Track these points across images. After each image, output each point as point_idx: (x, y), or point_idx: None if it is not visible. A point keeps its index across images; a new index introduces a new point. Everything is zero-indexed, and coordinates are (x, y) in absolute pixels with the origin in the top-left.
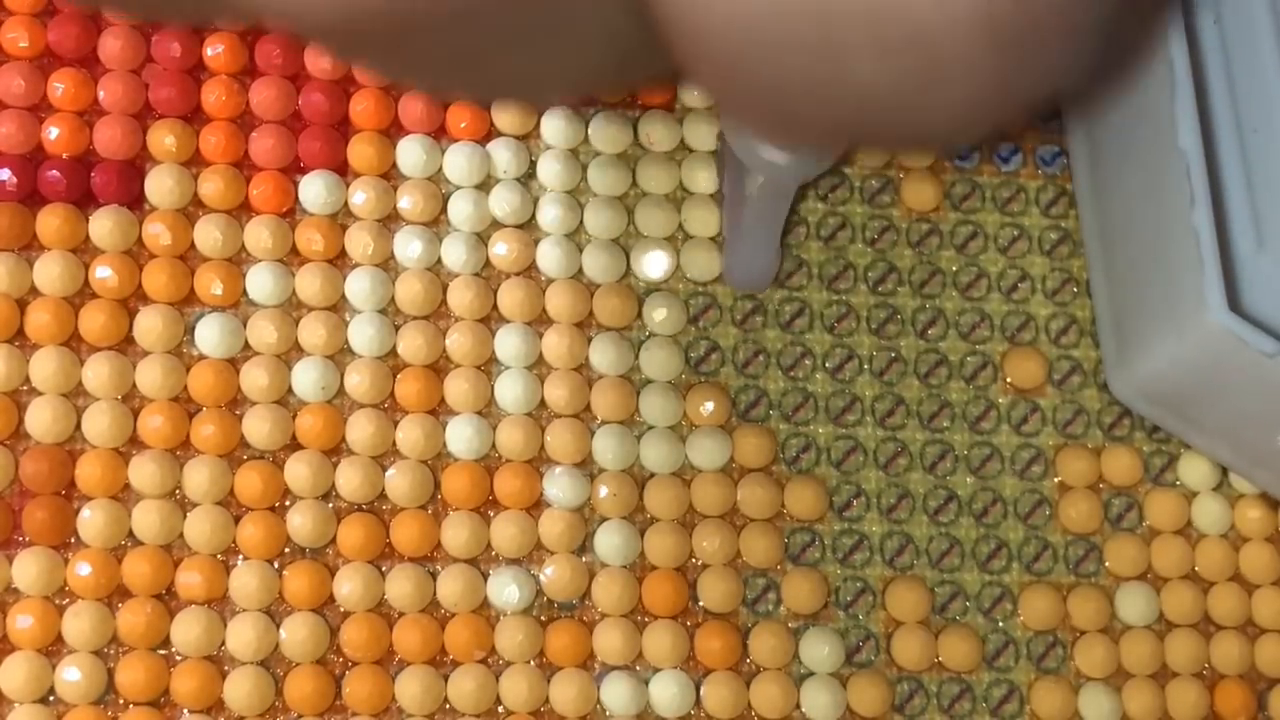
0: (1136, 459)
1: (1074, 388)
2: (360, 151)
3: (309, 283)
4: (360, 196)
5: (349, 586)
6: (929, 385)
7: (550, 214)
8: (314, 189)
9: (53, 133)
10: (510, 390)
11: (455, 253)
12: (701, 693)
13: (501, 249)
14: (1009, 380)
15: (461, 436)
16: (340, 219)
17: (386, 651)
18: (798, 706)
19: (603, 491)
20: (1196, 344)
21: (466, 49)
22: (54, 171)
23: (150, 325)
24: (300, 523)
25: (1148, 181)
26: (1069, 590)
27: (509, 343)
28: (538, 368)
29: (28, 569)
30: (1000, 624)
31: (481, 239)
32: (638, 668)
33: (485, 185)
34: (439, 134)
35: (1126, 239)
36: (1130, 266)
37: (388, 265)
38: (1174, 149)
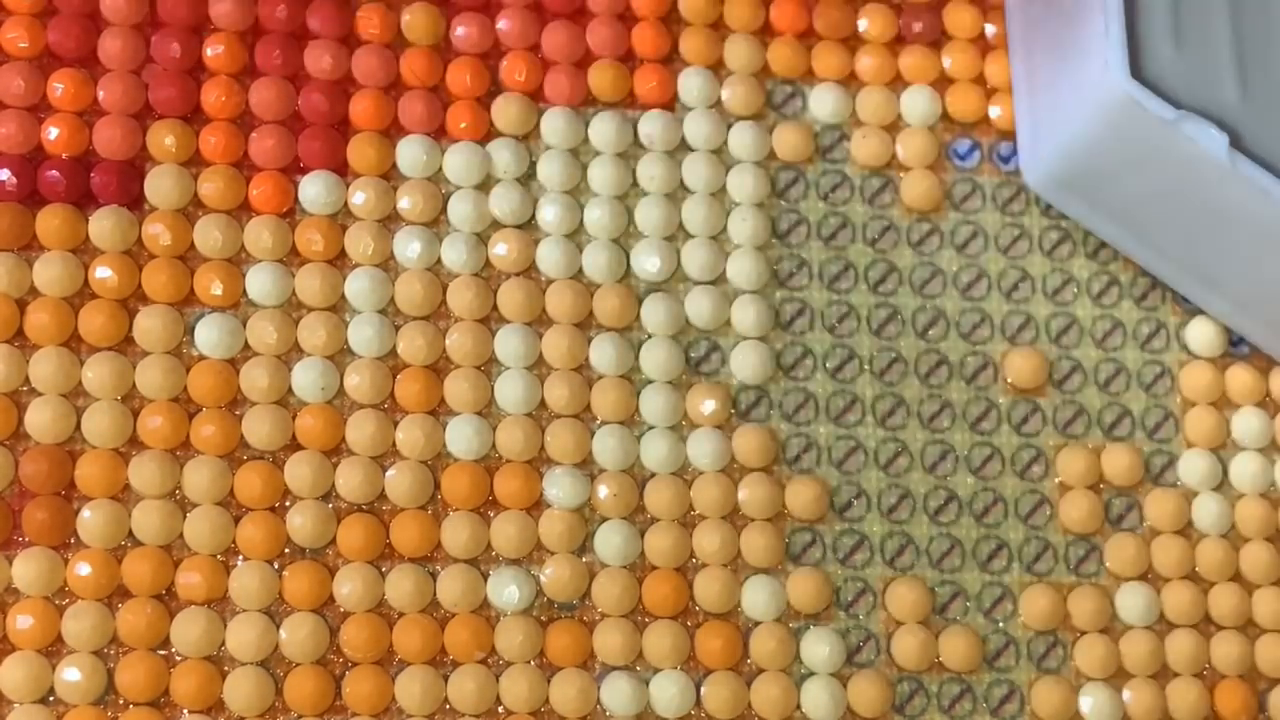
0: (1136, 459)
1: (1074, 388)
2: (360, 151)
3: (309, 283)
4: (360, 196)
5: (349, 587)
6: (929, 385)
7: (550, 214)
8: (314, 189)
9: (53, 133)
10: (510, 390)
11: (455, 253)
12: (701, 693)
13: (501, 249)
14: (1009, 380)
15: (461, 436)
16: (340, 219)
17: (386, 651)
18: (798, 706)
19: (603, 491)
20: (1100, 113)
21: None
22: (54, 171)
23: (150, 325)
24: (300, 523)
25: None
26: (1069, 590)
27: (509, 343)
28: (538, 368)
29: (28, 569)
30: (1001, 624)
31: (481, 239)
32: (638, 668)
33: (485, 185)
34: (439, 134)
35: (1043, 18)
36: (1045, 47)
37: (388, 265)
38: None
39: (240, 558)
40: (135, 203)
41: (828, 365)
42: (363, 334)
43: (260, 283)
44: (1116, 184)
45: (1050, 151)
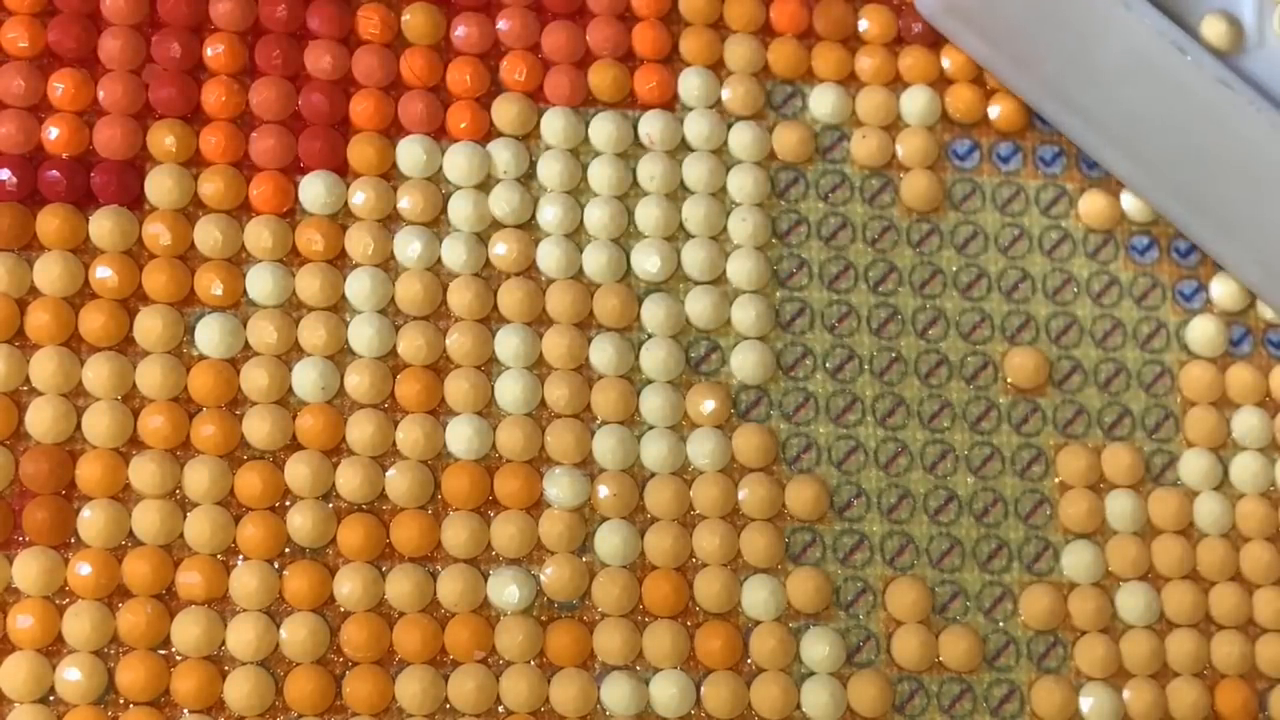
0: (1136, 459)
1: (1074, 387)
2: (360, 151)
3: (309, 283)
4: (360, 196)
5: (349, 586)
6: (929, 385)
7: (550, 214)
8: (314, 189)
9: (53, 133)
10: (510, 390)
11: (455, 253)
12: (701, 693)
13: (501, 249)
14: (1009, 380)
15: (461, 436)
16: (340, 219)
17: (386, 651)
18: (798, 706)
19: (603, 491)
20: None
21: None
22: (54, 171)
23: (150, 325)
24: (300, 523)
25: None
26: (1069, 590)
27: (509, 343)
28: (538, 368)
29: (28, 569)
30: (1000, 624)
31: (481, 239)
32: (638, 668)
33: (485, 185)
34: (439, 134)
35: None
36: None
37: (388, 265)
38: None
39: (240, 557)
40: (135, 203)
41: (828, 365)
42: (363, 334)
43: (260, 283)
44: (997, 8)
45: None
